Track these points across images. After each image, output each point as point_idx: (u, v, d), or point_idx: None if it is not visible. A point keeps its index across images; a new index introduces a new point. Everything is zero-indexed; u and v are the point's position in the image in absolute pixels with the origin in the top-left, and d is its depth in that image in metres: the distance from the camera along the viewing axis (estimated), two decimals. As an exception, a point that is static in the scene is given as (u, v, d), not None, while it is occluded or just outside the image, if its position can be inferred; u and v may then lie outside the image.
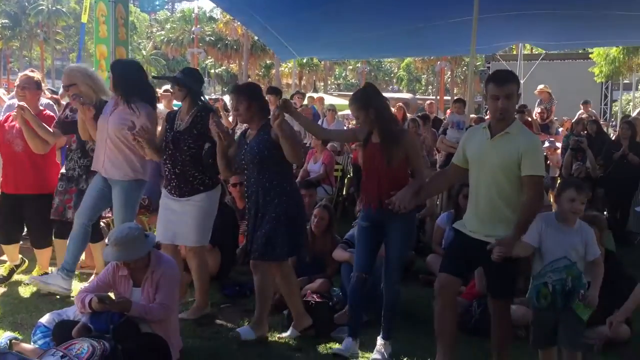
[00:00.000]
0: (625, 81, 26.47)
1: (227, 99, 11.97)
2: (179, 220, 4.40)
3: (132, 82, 4.59)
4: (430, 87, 53.39)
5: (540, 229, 3.35)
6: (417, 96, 38.81)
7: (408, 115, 11.66)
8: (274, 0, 9.50)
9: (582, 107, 11.59)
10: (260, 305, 4.18)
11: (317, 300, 4.44)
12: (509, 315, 3.69)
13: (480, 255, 3.48)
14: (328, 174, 8.48)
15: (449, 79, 45.95)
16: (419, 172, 3.96)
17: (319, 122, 11.36)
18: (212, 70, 47.22)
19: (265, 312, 4.22)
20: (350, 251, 4.81)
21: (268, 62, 41.97)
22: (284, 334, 4.26)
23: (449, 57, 34.36)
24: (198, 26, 35.89)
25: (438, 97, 36.87)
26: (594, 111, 11.65)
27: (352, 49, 12.80)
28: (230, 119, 9.20)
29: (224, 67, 47.43)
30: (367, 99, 3.92)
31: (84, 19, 11.68)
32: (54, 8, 42.94)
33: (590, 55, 17.54)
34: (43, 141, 4.96)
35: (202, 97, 4.54)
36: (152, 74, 31.93)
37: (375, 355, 3.97)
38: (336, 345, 4.13)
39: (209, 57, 43.25)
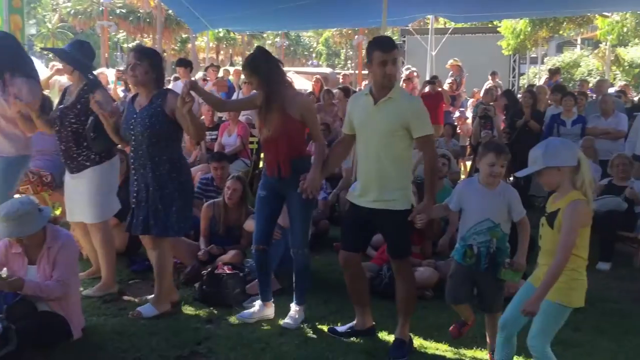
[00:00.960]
0: (532, 55, 27.75)
1: (110, 72, 11.53)
2: (73, 197, 4.34)
3: (7, 56, 4.27)
4: (349, 61, 53.70)
5: (462, 193, 3.43)
6: (337, 70, 38.97)
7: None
8: (183, -32, 9.17)
9: (489, 78, 12.02)
10: (160, 280, 4.11)
11: (227, 272, 4.39)
12: (410, 273, 3.76)
13: (374, 221, 3.60)
14: (245, 146, 8.35)
15: (368, 54, 46.34)
16: (317, 138, 3.90)
17: (235, 95, 11.20)
18: (125, 45, 45.32)
19: (165, 287, 4.13)
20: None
21: (184, 35, 40.75)
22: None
23: (366, 30, 34.56)
24: (108, -3, 34.29)
25: (357, 71, 37.16)
26: (500, 82, 12.11)
27: (266, 21, 12.59)
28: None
29: (137, 41, 45.72)
30: (257, 63, 3.81)
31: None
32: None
33: (498, 29, 18.16)
34: None
35: (91, 72, 4.35)
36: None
37: (287, 320, 4.00)
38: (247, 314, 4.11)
39: (121, 30, 41.47)
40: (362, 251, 3.83)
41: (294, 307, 4.07)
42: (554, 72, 12.80)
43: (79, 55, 4.26)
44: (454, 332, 3.62)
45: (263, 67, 3.75)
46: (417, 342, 3.79)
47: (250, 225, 4.88)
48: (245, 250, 5.01)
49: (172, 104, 3.81)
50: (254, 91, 3.97)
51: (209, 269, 4.47)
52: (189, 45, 38.30)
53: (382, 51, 3.40)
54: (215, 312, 4.18)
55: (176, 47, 43.14)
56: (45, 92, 6.30)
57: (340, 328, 3.90)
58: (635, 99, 10.95)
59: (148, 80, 3.93)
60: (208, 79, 11.32)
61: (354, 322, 3.89)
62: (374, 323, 3.90)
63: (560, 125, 7.78)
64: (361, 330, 3.85)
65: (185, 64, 8.43)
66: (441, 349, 3.73)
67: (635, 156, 6.61)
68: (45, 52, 38.18)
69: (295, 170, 3.78)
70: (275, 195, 3.94)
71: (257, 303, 4.12)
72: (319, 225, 6.06)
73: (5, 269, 3.42)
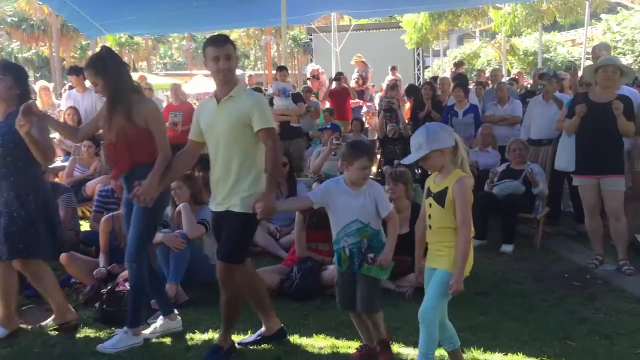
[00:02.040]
0: (435, 48, 28.63)
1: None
2: None
3: None
4: (259, 62, 53.39)
5: (329, 192, 3.34)
6: (247, 72, 38.68)
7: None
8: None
9: (390, 73, 12.24)
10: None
11: (128, 288, 4.15)
12: (237, 281, 3.48)
13: (223, 224, 3.48)
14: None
15: (276, 53, 46.30)
16: (161, 147, 3.65)
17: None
18: (20, 55, 42.83)
19: (11, 306, 3.95)
20: (164, 232, 4.61)
21: (84, 42, 39.00)
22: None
23: (273, 30, 34.52)
24: (-4, 5, 32.30)
25: (267, 72, 37.03)
26: (400, 76, 12.35)
27: (165, 24, 12.21)
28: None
29: (33, 51, 43.33)
30: (103, 63, 3.59)
31: None
32: None
33: (400, 24, 18.60)
34: None
35: None
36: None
37: (106, 343, 3.70)
38: (149, 331, 3.92)
39: (14, 39, 39.16)
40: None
41: (121, 330, 3.75)
42: (458, 64, 13.21)
43: None
44: (354, 356, 3.52)
45: (110, 68, 3.57)
46: (329, 341, 3.75)
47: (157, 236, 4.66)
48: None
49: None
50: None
51: (109, 287, 4.23)
52: (90, 53, 36.73)
53: (214, 46, 3.35)
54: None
55: (76, 55, 41.24)
56: None
57: (249, 338, 3.77)
58: (528, 85, 11.45)
59: (10, 96, 3.78)
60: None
61: (262, 329, 3.78)
62: (282, 325, 3.80)
63: (453, 116, 7.99)
64: (270, 335, 3.75)
65: (77, 71, 7.97)
66: (353, 346, 3.68)
67: (530, 140, 6.89)
68: None
69: (139, 178, 3.55)
70: (130, 208, 3.71)
71: (160, 318, 3.94)
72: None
73: None
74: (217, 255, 3.50)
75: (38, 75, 40.14)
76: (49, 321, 4.05)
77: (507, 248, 5.80)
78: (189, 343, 3.80)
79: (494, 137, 7.45)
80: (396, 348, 3.61)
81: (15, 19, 36.64)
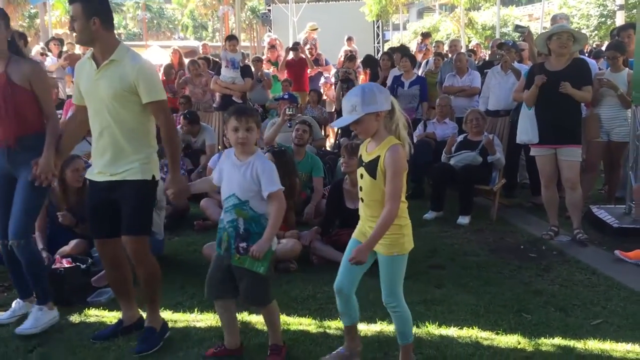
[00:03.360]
0: (395, 22, 28.48)
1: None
2: None
3: None
4: (217, 33, 52.28)
5: (220, 165, 3.03)
6: (206, 43, 37.79)
7: (185, 59, 11.10)
8: None
9: (346, 43, 12.01)
10: None
11: (66, 265, 3.90)
12: (148, 256, 3.25)
13: (116, 197, 3.15)
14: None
15: (235, 24, 45.40)
16: (49, 116, 3.43)
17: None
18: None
19: None
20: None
21: (32, 10, 37.37)
22: None
23: (231, 0, 33.72)
24: None
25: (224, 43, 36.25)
26: (356, 47, 12.13)
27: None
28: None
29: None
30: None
31: None
32: None
33: (360, -4, 18.38)
34: None
35: None
36: None
37: (24, 325, 3.44)
38: (91, 311, 3.71)
39: (-43, 6, 37.27)
40: (116, 235, 3.20)
41: (34, 309, 3.52)
42: (425, 35, 13.06)
43: None
44: (207, 353, 3.13)
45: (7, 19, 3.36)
46: (282, 318, 3.56)
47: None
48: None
49: None
50: None
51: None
52: (39, 21, 35.17)
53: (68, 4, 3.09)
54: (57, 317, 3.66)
55: (24, 24, 39.49)
56: None
57: (105, 331, 3.39)
58: (486, 57, 11.40)
59: None
60: (49, 53, 10.29)
61: (122, 317, 3.46)
62: (140, 315, 3.47)
63: (398, 87, 7.85)
64: (130, 325, 3.41)
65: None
66: (305, 322, 3.54)
67: (488, 111, 6.82)
68: None
69: (26, 148, 3.34)
70: (7, 180, 3.43)
71: (15, 301, 3.68)
72: (177, 205, 5.66)
73: None
74: (123, 230, 3.14)
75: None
76: None
77: (464, 220, 5.74)
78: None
79: (451, 108, 7.35)
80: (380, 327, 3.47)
81: (-43, -15, 34.81)
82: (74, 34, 3.14)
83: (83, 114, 3.25)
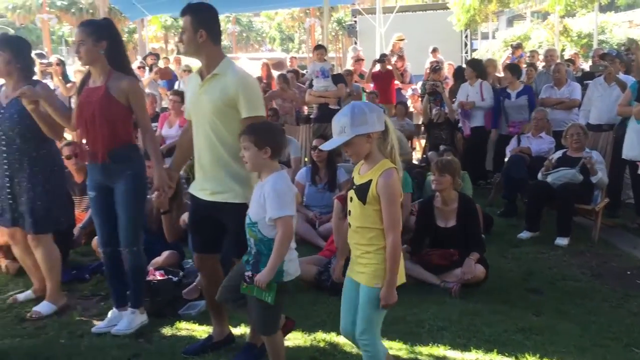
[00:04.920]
0: (483, 30, 27.74)
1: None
2: None
3: None
4: (303, 45, 53.10)
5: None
6: (292, 55, 38.45)
7: (274, 72, 11.28)
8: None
9: (431, 55, 11.74)
10: (51, 276, 3.95)
11: (158, 278, 3.99)
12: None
13: (220, 216, 3.13)
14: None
15: (320, 36, 45.89)
16: (145, 128, 3.54)
17: (177, 84, 10.70)
18: (70, 38, 43.68)
19: (57, 282, 3.99)
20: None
21: (131, 26, 39.45)
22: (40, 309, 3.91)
23: (318, 12, 34.15)
24: (46, -11, 32.91)
25: (311, 55, 36.73)
26: (441, 57, 11.82)
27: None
28: (69, 85, 8.27)
29: (82, 34, 44.06)
30: (102, 29, 3.47)
31: None
32: None
33: (447, 5, 17.98)
34: None
35: None
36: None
37: (118, 326, 3.64)
38: (182, 324, 3.75)
39: (65, 23, 39.90)
40: (218, 251, 3.29)
41: (128, 311, 3.71)
42: (516, 46, 12.61)
43: None
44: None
45: (107, 36, 3.46)
46: (369, 340, 3.48)
47: (184, 221, 4.48)
48: (183, 249, 4.62)
49: (39, 96, 3.62)
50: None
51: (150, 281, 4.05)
52: (137, 36, 37.07)
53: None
54: (147, 323, 3.75)
55: (124, 39, 41.73)
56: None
57: (194, 346, 3.40)
58: (586, 67, 10.80)
59: (10, 71, 3.73)
60: (146, 67, 10.76)
61: (212, 333, 3.45)
62: (230, 331, 3.47)
63: (505, 98, 7.58)
64: (220, 340, 3.40)
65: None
66: (395, 347, 3.41)
67: (589, 126, 6.43)
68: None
69: (120, 159, 3.48)
70: (103, 191, 3.58)
71: (111, 311, 3.79)
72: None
73: None
74: (229, 252, 3.20)
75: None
76: (24, 296, 4.16)
77: (562, 241, 5.40)
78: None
79: (548, 122, 6.98)
80: (442, 351, 3.32)
81: (65, 3, 37.30)
82: (180, 45, 3.18)
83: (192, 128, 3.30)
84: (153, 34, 32.64)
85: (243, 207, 2.95)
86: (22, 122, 3.68)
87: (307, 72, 11.31)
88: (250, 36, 55.27)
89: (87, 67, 3.58)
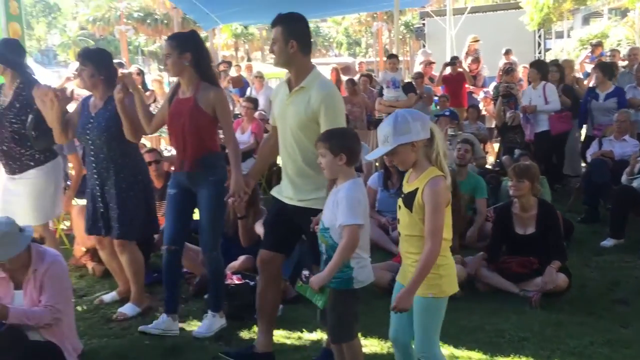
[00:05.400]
0: (557, 29, 26.78)
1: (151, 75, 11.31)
2: (12, 199, 4.16)
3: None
4: (370, 49, 53.04)
5: None
6: (359, 59, 38.48)
7: (343, 77, 11.32)
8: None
9: (504, 57, 11.41)
10: (136, 280, 4.08)
11: (235, 282, 4.08)
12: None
13: (296, 220, 3.16)
14: (259, 144, 8.06)
15: (388, 40, 45.69)
16: (228, 138, 3.64)
17: (248, 91, 10.92)
18: (146, 48, 45.50)
19: (141, 285, 4.13)
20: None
21: (202, 35, 40.68)
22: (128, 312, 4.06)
23: (385, 16, 34.02)
24: (123, 2, 34.39)
25: (378, 59, 36.58)
26: (515, 59, 11.45)
27: (275, 11, 12.24)
28: (148, 93, 8.60)
29: (157, 44, 45.86)
30: (186, 41, 3.59)
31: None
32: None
33: (520, 4, 17.47)
34: None
35: (24, 69, 4.22)
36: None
37: (199, 329, 3.73)
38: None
39: (141, 34, 41.59)
40: (285, 253, 3.34)
41: (208, 314, 3.80)
42: (595, 45, 12.10)
43: (7, 53, 4.14)
44: None
45: (192, 48, 3.55)
46: (448, 350, 3.41)
47: (259, 228, 4.56)
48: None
49: (133, 84, 3.77)
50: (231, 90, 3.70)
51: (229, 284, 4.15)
52: (208, 44, 38.20)
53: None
54: (225, 327, 3.84)
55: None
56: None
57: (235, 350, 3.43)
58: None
59: (95, 83, 3.89)
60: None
61: (255, 343, 3.41)
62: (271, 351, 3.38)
63: (592, 99, 7.25)
64: (261, 353, 3.34)
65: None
66: (474, 357, 3.35)
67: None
68: (67, 62, 38.47)
69: (205, 166, 3.58)
70: (184, 192, 3.69)
71: (161, 315, 3.83)
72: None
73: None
74: (277, 248, 3.26)
75: (162, 67, 42.26)
76: (109, 297, 4.34)
77: (651, 250, 5.13)
78: (297, 342, 3.63)
79: (632, 124, 6.66)
80: (524, 362, 3.23)
81: (142, 14, 38.88)
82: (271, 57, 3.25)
83: (277, 136, 3.34)
84: (224, 42, 33.39)
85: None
86: (109, 130, 3.82)
87: (376, 76, 11.27)
88: (317, 41, 55.72)
89: (175, 78, 3.72)
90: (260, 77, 10.48)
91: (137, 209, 3.93)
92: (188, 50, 3.53)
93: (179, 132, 3.59)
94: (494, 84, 10.68)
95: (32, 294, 3.09)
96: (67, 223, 6.08)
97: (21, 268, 3.10)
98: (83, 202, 5.01)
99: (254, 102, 8.54)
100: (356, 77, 10.72)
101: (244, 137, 8.05)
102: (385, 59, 9.39)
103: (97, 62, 3.89)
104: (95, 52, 4.14)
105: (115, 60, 7.63)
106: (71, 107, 4.23)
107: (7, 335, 2.97)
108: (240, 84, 11.61)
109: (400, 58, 12.11)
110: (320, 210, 2.97)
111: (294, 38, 3.03)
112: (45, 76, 13.18)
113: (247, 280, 4.14)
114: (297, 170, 3.14)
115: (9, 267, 3.08)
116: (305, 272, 2.74)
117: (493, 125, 9.80)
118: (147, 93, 8.63)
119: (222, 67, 11.18)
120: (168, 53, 3.55)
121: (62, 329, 3.17)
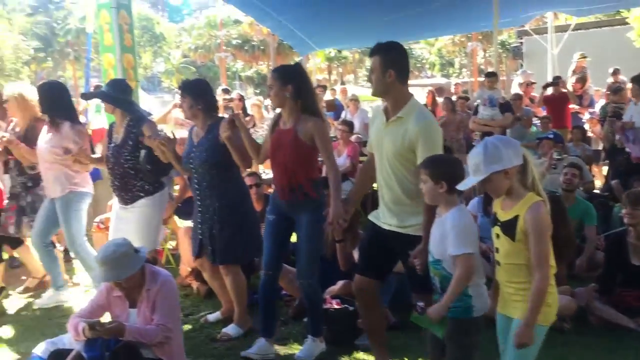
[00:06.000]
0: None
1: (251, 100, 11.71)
2: (126, 228, 4.34)
3: (56, 102, 4.72)
4: (464, 69, 52.18)
5: None
6: (452, 79, 37.95)
7: (438, 99, 11.20)
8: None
9: (611, 77, 10.78)
10: (239, 301, 4.19)
11: (335, 307, 4.08)
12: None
13: (396, 247, 3.14)
14: (355, 167, 8.10)
15: (483, 60, 44.76)
16: (330, 167, 3.62)
17: (343, 114, 11.02)
18: (243, 74, 47.19)
19: (244, 307, 4.23)
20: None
21: (297, 59, 41.65)
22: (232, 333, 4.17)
23: (480, 36, 33.41)
24: (223, 30, 35.88)
25: (473, 79, 35.92)
26: (624, 78, 10.80)
27: (372, 36, 12.34)
28: (248, 118, 8.90)
29: (254, 69, 47.38)
30: (289, 73, 3.65)
31: (89, 28, 11.42)
32: (82, 26, 43.52)
33: (627, 20, 16.61)
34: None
35: (132, 106, 4.48)
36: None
37: (300, 353, 3.74)
38: (360, 354, 3.79)
39: (238, 60, 43.22)
40: (379, 279, 3.34)
41: (308, 339, 3.83)
42: None
43: (116, 93, 4.41)
44: None
45: (296, 81, 3.61)
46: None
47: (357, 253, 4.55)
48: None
49: (242, 125, 3.89)
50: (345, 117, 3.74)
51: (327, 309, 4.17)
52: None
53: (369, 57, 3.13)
54: (325, 350, 3.86)
55: (290, 71, 44.01)
56: (161, 126, 6.47)
57: None
58: None
59: (195, 113, 4.03)
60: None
61: None
62: None
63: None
64: None
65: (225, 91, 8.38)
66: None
67: None
68: (170, 88, 40.68)
69: (305, 194, 3.64)
70: (283, 218, 3.75)
71: (258, 340, 3.85)
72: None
73: (107, 313, 3.37)
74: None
75: (257, 91, 43.65)
76: (213, 317, 4.49)
77: None
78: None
79: None
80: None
81: (239, 41, 40.41)
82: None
83: (374, 163, 3.36)
84: (317, 66, 34.02)
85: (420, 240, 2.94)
86: (211, 158, 3.95)
87: (473, 97, 11.06)
88: (410, 63, 55.46)
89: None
90: (355, 100, 10.57)
91: (239, 234, 4.03)
92: (290, 82, 3.60)
93: (281, 162, 3.68)
94: (602, 102, 10.17)
95: (146, 313, 3.25)
96: (173, 243, 6.36)
97: (136, 287, 3.27)
98: (189, 223, 5.23)
99: (349, 125, 8.60)
100: (453, 99, 10.57)
101: (340, 160, 8.10)
102: (481, 78, 9.18)
103: (196, 93, 4.04)
104: (194, 83, 4.32)
105: (221, 87, 8.00)
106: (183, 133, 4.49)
107: (123, 352, 3.12)
108: (334, 108, 11.75)
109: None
110: (418, 237, 2.95)
111: (392, 67, 3.06)
112: (149, 102, 14.07)
113: (346, 305, 4.14)
114: (393, 198, 3.15)
115: (124, 286, 3.25)
116: (421, 304, 2.70)
117: (601, 148, 9.31)
118: (247, 118, 8.92)
119: (318, 91, 11.38)
120: (271, 85, 3.65)
121: (172, 347, 3.30)
